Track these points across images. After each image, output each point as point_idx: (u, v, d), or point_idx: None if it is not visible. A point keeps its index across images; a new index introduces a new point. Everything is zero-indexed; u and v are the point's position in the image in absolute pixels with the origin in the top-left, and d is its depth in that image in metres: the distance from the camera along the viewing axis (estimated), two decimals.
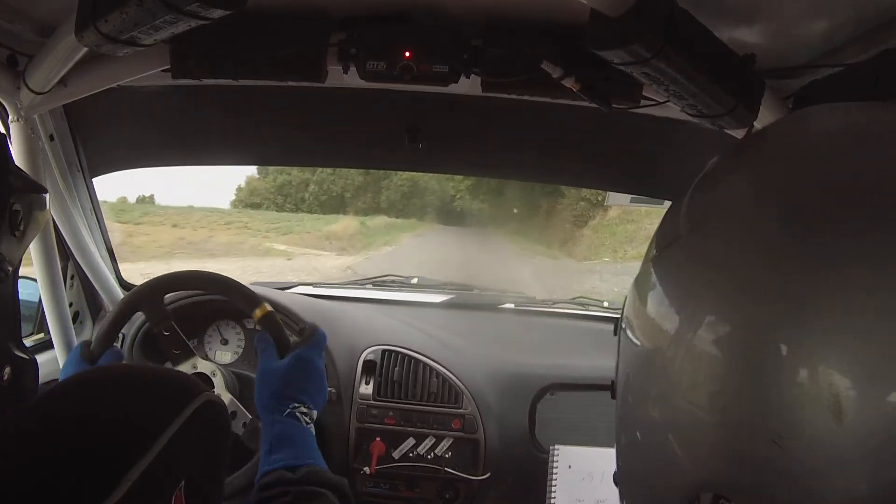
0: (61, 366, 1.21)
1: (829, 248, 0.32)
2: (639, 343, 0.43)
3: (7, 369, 0.50)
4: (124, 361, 1.17)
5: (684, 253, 0.41)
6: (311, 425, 0.87)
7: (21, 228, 0.49)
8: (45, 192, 0.52)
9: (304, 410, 0.86)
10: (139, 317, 1.21)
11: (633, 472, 0.47)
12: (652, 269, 0.43)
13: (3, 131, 0.95)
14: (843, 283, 0.31)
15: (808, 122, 0.42)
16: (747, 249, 0.36)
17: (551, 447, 1.14)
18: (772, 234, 0.35)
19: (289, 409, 0.85)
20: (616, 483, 0.49)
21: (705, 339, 0.36)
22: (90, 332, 1.36)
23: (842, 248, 0.32)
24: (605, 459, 1.13)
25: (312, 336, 0.95)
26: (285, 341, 0.97)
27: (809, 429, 0.31)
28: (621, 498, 0.49)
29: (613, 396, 0.50)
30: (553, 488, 1.12)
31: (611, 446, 1.18)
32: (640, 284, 0.45)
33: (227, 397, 1.08)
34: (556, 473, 1.13)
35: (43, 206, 0.52)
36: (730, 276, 0.36)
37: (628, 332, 0.46)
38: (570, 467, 1.13)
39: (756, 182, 0.39)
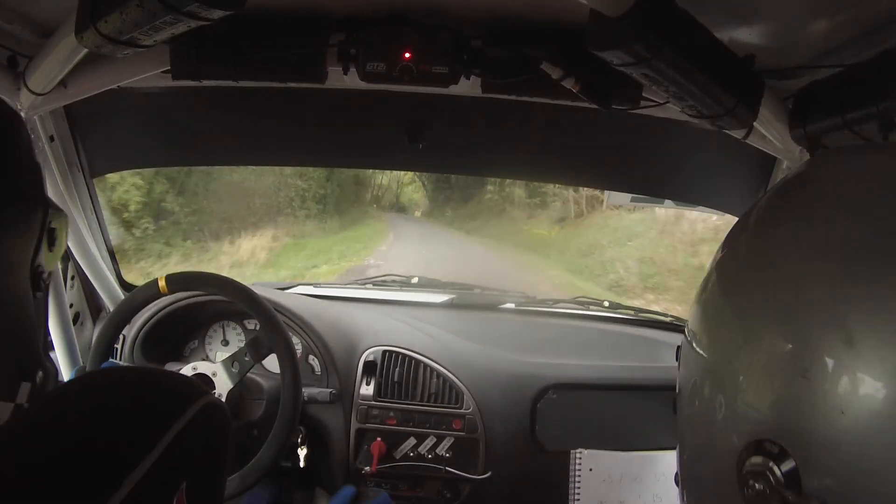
0: (61, 366, 1.21)
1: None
2: (704, 355, 0.48)
3: (39, 374, 0.53)
4: (123, 363, 1.17)
5: (750, 279, 0.46)
6: None
7: (56, 245, 0.54)
8: (65, 213, 0.57)
9: None
10: (139, 317, 1.21)
11: (693, 464, 0.50)
12: (717, 287, 0.48)
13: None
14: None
15: (855, 163, 0.47)
16: (801, 280, 0.41)
17: (573, 451, 1.15)
18: (822, 270, 0.40)
19: None
20: (676, 483, 0.53)
21: (764, 353, 0.42)
22: (90, 333, 1.36)
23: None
24: (625, 462, 1.15)
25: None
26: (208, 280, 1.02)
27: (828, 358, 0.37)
28: (682, 496, 0.52)
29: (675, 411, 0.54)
30: (577, 492, 1.13)
31: (612, 445, 1.19)
32: (709, 301, 0.50)
33: (227, 398, 1.09)
34: (580, 477, 1.14)
35: (66, 225, 0.58)
36: (789, 307, 0.42)
37: (694, 344, 0.49)
38: (591, 470, 1.14)
39: (811, 222, 0.43)
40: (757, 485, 0.38)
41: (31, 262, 0.50)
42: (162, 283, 1.09)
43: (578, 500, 1.15)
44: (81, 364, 1.24)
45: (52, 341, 1.21)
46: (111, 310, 1.32)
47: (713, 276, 0.48)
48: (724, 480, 0.42)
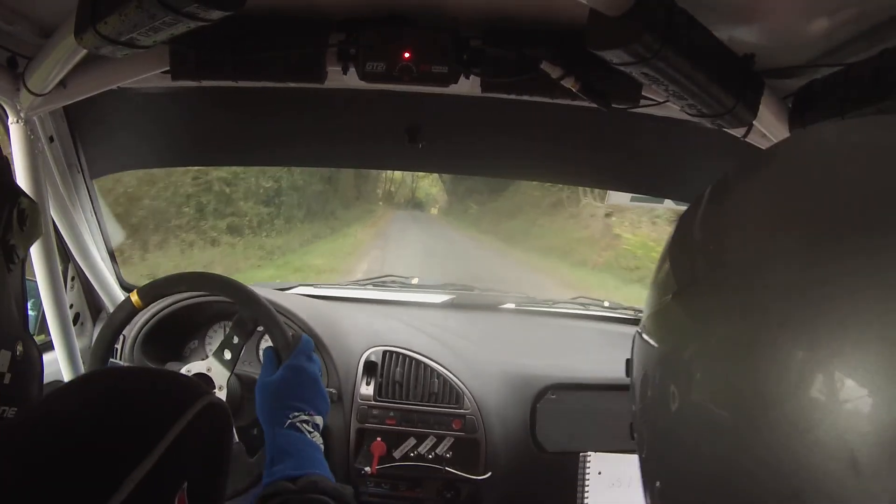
0: (62, 367, 1.21)
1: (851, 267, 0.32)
2: (655, 346, 0.43)
3: (20, 345, 0.55)
4: (124, 363, 1.17)
5: (705, 297, 0.40)
6: (316, 433, 0.87)
7: (26, 225, 0.56)
8: (37, 204, 0.60)
9: (305, 419, 0.86)
10: (139, 317, 1.21)
11: (650, 467, 0.47)
12: (668, 276, 0.44)
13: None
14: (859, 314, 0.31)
15: (817, 139, 0.43)
16: (762, 261, 0.36)
17: (582, 454, 1.14)
18: (787, 250, 0.35)
19: (288, 420, 0.85)
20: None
21: (723, 341, 0.36)
22: (91, 334, 1.36)
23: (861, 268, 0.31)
24: (631, 464, 1.14)
25: (297, 344, 0.97)
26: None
27: (829, 484, 0.31)
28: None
29: (632, 436, 0.50)
30: (586, 496, 1.12)
31: (612, 445, 1.19)
32: (660, 324, 0.44)
33: (228, 398, 1.08)
34: (589, 480, 1.13)
35: (39, 213, 0.59)
36: (748, 287, 0.36)
37: (645, 335, 0.45)
38: (599, 473, 1.13)
39: (769, 195, 0.39)
40: None
41: (2, 236, 0.52)
42: (135, 298, 1.08)
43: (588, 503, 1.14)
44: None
45: (52, 341, 1.21)
46: (111, 310, 1.32)
47: (664, 259, 0.45)
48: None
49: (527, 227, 10.01)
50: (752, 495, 0.34)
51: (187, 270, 1.12)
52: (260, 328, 1.07)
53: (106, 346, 1.09)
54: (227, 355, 1.07)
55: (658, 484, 0.44)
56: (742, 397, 0.35)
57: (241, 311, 1.07)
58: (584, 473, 1.13)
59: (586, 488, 1.13)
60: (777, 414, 0.33)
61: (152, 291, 1.08)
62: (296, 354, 0.95)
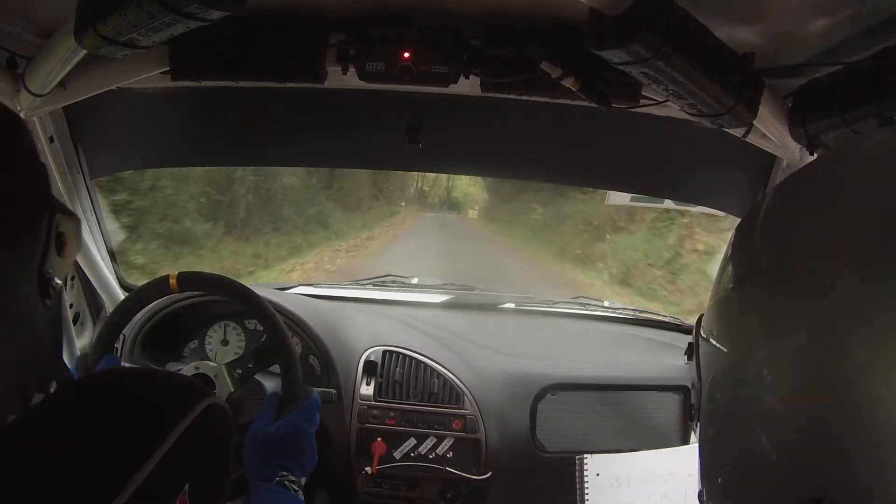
0: None
1: None
2: (725, 350, 0.46)
3: (53, 385, 0.52)
4: (124, 363, 1.17)
5: (767, 287, 0.43)
6: (300, 491, 0.88)
7: (65, 250, 0.52)
8: (78, 219, 0.56)
9: (293, 479, 0.87)
10: (139, 317, 1.21)
11: (715, 466, 0.48)
12: (734, 299, 0.46)
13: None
14: None
15: (867, 149, 0.44)
16: (830, 286, 0.38)
17: (578, 457, 1.14)
18: (844, 264, 0.38)
19: (277, 478, 0.86)
20: (700, 500, 0.50)
21: (798, 366, 0.39)
22: (90, 334, 1.36)
23: None
24: (629, 463, 1.14)
25: (306, 402, 0.97)
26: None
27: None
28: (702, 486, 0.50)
29: (691, 417, 0.51)
30: (586, 498, 1.12)
31: (613, 445, 1.18)
32: (722, 314, 0.47)
33: (228, 399, 1.08)
34: (588, 482, 1.13)
35: (79, 230, 0.55)
36: (816, 310, 0.38)
37: (713, 340, 0.47)
38: (598, 475, 1.13)
39: (829, 213, 0.41)
40: None
41: (39, 268, 0.48)
42: (172, 281, 1.08)
43: None
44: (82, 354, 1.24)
45: None
46: (111, 310, 1.32)
47: (728, 272, 0.47)
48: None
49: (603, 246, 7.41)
50: (820, 486, 0.36)
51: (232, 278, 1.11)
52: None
53: (129, 311, 1.09)
54: (237, 374, 1.09)
55: (720, 480, 0.46)
56: (813, 397, 0.37)
57: (268, 341, 1.07)
58: (582, 476, 1.13)
59: (586, 491, 1.13)
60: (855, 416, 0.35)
61: (192, 282, 1.07)
62: (301, 411, 0.95)
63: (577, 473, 1.13)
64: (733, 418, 0.44)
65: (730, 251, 0.49)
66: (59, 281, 0.52)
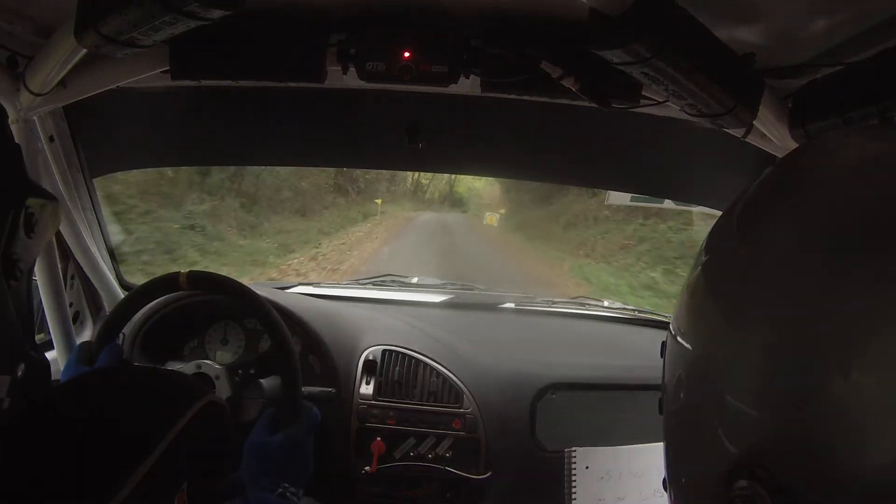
0: (61, 366, 1.21)
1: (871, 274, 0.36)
2: (690, 347, 0.47)
3: (21, 366, 0.51)
4: (124, 358, 1.17)
5: (738, 267, 0.44)
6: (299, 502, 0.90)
7: (35, 231, 0.51)
8: (56, 200, 0.54)
9: (293, 491, 0.90)
10: (139, 316, 1.21)
11: (678, 466, 0.50)
12: (703, 283, 0.47)
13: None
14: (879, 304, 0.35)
15: (834, 150, 0.46)
16: (791, 274, 0.39)
17: (568, 450, 1.15)
18: (814, 263, 0.39)
19: (280, 489, 0.88)
20: (665, 488, 0.53)
21: (755, 344, 0.40)
22: (90, 333, 1.36)
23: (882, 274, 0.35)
24: (620, 457, 1.14)
25: (308, 417, 0.99)
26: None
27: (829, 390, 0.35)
28: (670, 498, 0.51)
29: (661, 411, 0.53)
30: (574, 491, 1.13)
31: (612, 444, 1.19)
32: (693, 294, 0.48)
33: (227, 398, 1.08)
34: (576, 475, 1.13)
35: (55, 213, 0.54)
36: (779, 295, 0.40)
37: (679, 337, 0.49)
38: (587, 468, 1.14)
39: (794, 211, 0.42)
40: None
41: (4, 250, 0.48)
42: (183, 278, 1.07)
43: (575, 499, 1.14)
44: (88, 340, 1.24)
45: (52, 340, 1.21)
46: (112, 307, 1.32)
47: (699, 265, 0.48)
48: (711, 491, 0.41)
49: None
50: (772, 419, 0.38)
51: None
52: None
53: (135, 304, 1.09)
54: (238, 377, 1.09)
55: (683, 480, 0.48)
56: (769, 396, 0.38)
57: (272, 350, 1.09)
58: (570, 469, 1.14)
59: (574, 484, 1.13)
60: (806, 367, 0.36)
61: (202, 282, 1.07)
62: (302, 426, 0.97)
63: (565, 466, 1.14)
64: (694, 414, 0.45)
65: (703, 244, 0.49)
66: (26, 263, 0.51)
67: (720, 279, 0.45)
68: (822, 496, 0.35)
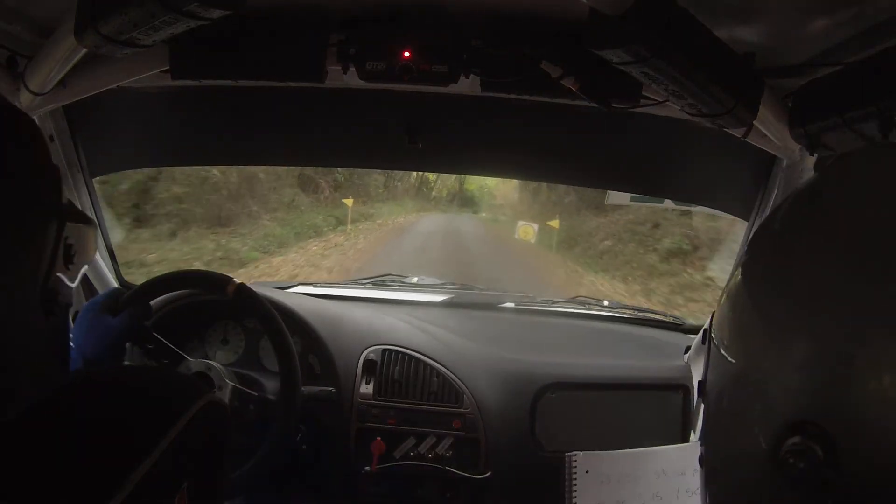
0: None
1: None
2: (733, 361, 0.48)
3: None
4: (144, 324, 1.16)
5: (779, 280, 0.45)
6: None
7: (74, 261, 0.48)
8: (95, 224, 0.52)
9: None
10: None
11: (720, 435, 0.50)
12: (743, 289, 0.48)
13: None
14: None
15: (883, 163, 0.46)
16: (828, 285, 0.41)
17: (568, 454, 1.15)
18: (849, 277, 0.40)
19: None
20: (700, 463, 0.53)
21: (797, 359, 0.41)
22: None
23: None
24: (622, 462, 1.14)
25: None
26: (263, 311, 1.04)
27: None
28: (702, 476, 0.52)
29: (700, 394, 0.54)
30: (574, 496, 1.13)
31: (612, 444, 1.19)
32: (736, 306, 0.49)
33: (227, 397, 1.09)
34: (577, 480, 1.13)
35: (92, 237, 0.52)
36: (817, 319, 0.41)
37: (722, 349, 0.49)
38: (587, 472, 1.14)
39: (836, 225, 0.43)
40: (797, 464, 0.39)
41: (43, 283, 0.44)
42: (232, 288, 1.08)
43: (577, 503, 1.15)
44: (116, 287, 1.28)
45: None
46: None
47: (738, 280, 0.49)
48: (758, 462, 0.42)
49: None
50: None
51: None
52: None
53: (172, 283, 1.12)
54: (237, 379, 1.10)
55: (724, 451, 0.48)
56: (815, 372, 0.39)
57: (276, 354, 1.09)
58: (570, 474, 1.14)
59: (574, 489, 1.13)
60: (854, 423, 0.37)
61: (247, 299, 1.09)
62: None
63: (565, 471, 1.14)
64: (740, 418, 0.46)
65: (743, 252, 0.50)
66: (69, 288, 0.48)
67: (759, 293, 0.46)
68: (874, 453, 0.37)
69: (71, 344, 0.94)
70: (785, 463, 0.39)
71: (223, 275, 1.10)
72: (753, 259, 0.49)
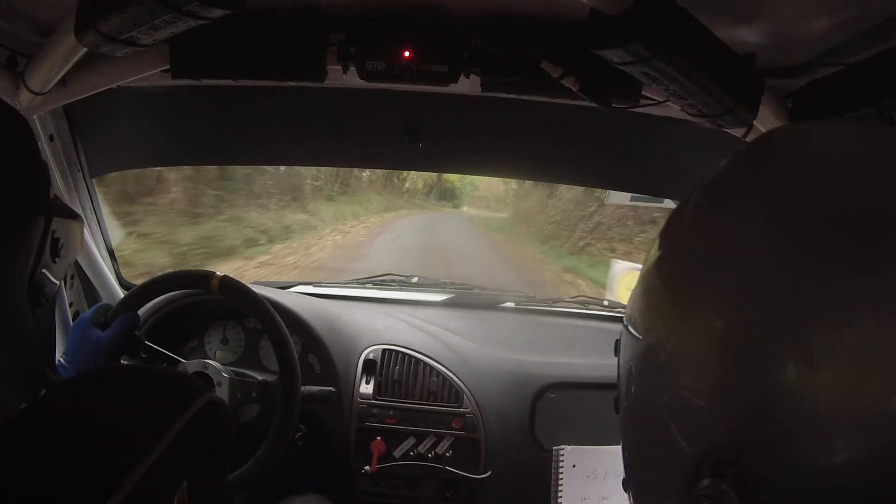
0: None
1: (832, 263, 0.35)
2: (640, 338, 0.45)
3: (42, 393, 0.51)
4: (136, 335, 1.16)
5: (688, 258, 0.43)
6: None
7: (61, 255, 0.50)
8: (81, 219, 0.53)
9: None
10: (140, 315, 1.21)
11: (637, 467, 0.48)
12: (655, 269, 0.45)
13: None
14: (847, 294, 0.34)
15: (812, 140, 0.44)
16: (752, 260, 0.38)
17: (555, 448, 1.15)
18: (779, 250, 0.37)
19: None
20: (625, 489, 0.51)
21: (706, 333, 0.39)
22: None
23: (845, 263, 0.35)
24: (607, 457, 1.15)
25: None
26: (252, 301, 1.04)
27: (789, 382, 0.34)
28: (631, 499, 0.50)
29: (616, 409, 0.52)
30: (560, 489, 1.13)
31: (612, 444, 1.19)
32: (645, 282, 0.46)
33: (227, 397, 1.09)
34: (563, 474, 1.14)
35: (79, 232, 0.53)
36: (732, 283, 0.38)
37: (630, 328, 0.46)
38: (574, 466, 1.14)
39: (761, 197, 0.40)
40: None
41: (30, 275, 0.46)
42: (216, 283, 1.08)
43: (562, 496, 1.15)
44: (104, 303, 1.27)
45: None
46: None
47: (653, 253, 0.46)
48: (674, 492, 0.40)
49: None
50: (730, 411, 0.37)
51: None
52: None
53: (156, 288, 1.12)
54: (238, 375, 1.10)
55: (643, 482, 0.47)
56: (725, 389, 0.37)
57: (276, 354, 1.09)
58: (557, 467, 1.14)
59: (560, 481, 1.13)
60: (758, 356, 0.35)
61: (232, 290, 1.08)
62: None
63: (552, 464, 1.14)
64: (647, 410, 0.44)
65: (659, 232, 0.48)
66: (55, 282, 0.50)
67: (673, 264, 0.43)
68: (790, 488, 0.35)
69: (63, 361, 0.95)
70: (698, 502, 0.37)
71: (205, 270, 1.10)
72: (667, 230, 0.46)
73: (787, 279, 0.36)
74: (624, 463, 0.50)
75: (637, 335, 0.44)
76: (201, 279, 1.09)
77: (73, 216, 0.52)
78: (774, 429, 0.35)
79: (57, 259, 0.49)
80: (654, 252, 0.46)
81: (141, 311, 1.18)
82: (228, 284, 1.08)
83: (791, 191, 0.39)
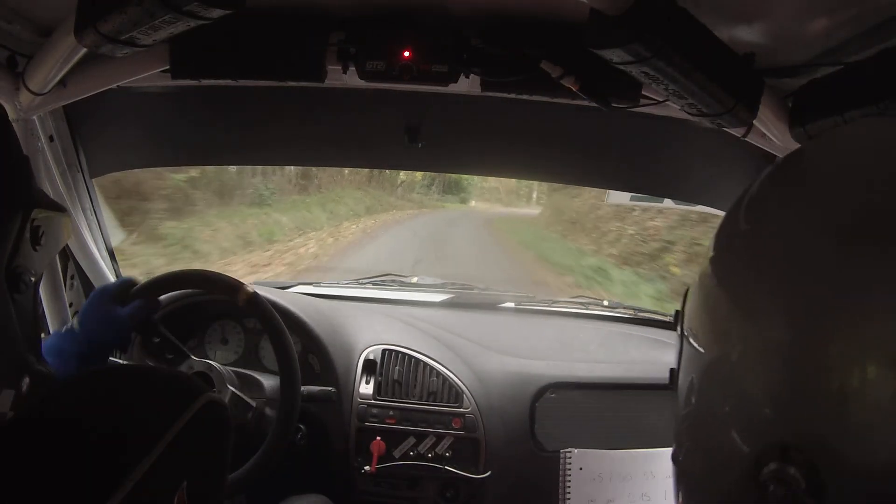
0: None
1: (876, 263, 0.36)
2: (703, 351, 0.46)
3: (26, 380, 0.52)
4: (123, 361, 1.17)
5: (745, 271, 0.44)
6: None
7: (42, 243, 0.51)
8: (66, 211, 0.54)
9: None
10: None
11: (692, 458, 0.49)
12: (715, 283, 0.46)
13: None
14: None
15: (856, 140, 0.45)
16: (801, 262, 0.39)
17: (563, 451, 1.15)
18: (823, 250, 0.39)
19: None
20: (676, 483, 0.51)
21: (769, 342, 0.40)
22: None
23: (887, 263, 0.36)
24: (614, 460, 1.15)
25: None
26: (272, 321, 1.04)
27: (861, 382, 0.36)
28: (677, 497, 0.50)
29: (673, 387, 0.52)
30: (567, 492, 1.13)
31: (612, 444, 1.20)
32: (704, 296, 0.48)
33: (228, 396, 1.09)
34: (570, 476, 1.14)
35: (65, 225, 0.54)
36: (785, 288, 0.40)
37: (692, 340, 0.48)
38: (581, 469, 1.14)
39: (807, 200, 0.42)
40: (778, 490, 0.37)
41: (8, 262, 0.48)
42: (243, 297, 1.05)
43: (569, 499, 1.15)
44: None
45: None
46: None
47: (708, 266, 0.47)
48: (734, 481, 0.41)
49: None
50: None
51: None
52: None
53: (179, 281, 1.10)
54: (238, 375, 1.10)
55: (699, 472, 0.47)
56: (788, 394, 0.38)
57: (276, 354, 1.08)
58: (564, 470, 1.14)
59: (568, 485, 1.14)
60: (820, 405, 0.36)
61: (258, 308, 1.06)
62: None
63: (560, 467, 1.14)
64: (711, 422, 0.45)
65: (711, 243, 0.48)
66: (35, 270, 0.50)
67: (729, 278, 0.45)
68: (856, 478, 0.36)
69: (75, 326, 0.94)
70: (765, 487, 0.38)
71: (237, 280, 1.08)
72: (719, 243, 0.47)
73: (836, 282, 0.37)
74: (676, 459, 0.51)
75: (699, 348, 0.46)
76: (230, 288, 1.07)
77: (59, 209, 0.53)
78: (844, 426, 0.36)
79: (38, 247, 0.50)
80: (708, 265, 0.47)
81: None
82: (256, 303, 1.05)
83: (829, 193, 0.40)
